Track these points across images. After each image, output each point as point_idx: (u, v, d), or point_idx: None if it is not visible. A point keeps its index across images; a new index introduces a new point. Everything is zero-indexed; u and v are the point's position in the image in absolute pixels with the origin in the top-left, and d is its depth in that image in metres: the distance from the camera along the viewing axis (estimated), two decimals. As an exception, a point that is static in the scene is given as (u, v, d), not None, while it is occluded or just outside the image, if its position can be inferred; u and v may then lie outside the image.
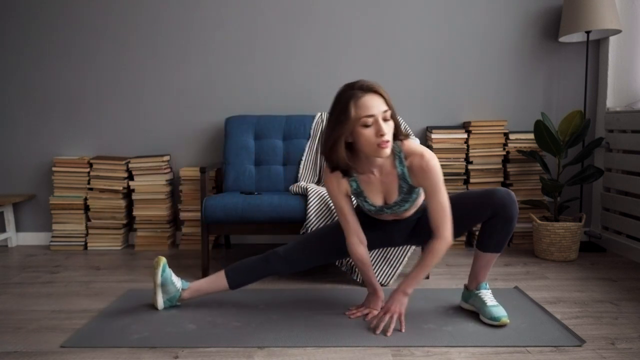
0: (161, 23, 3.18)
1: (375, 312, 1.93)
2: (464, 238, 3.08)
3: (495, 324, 1.81)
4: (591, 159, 3.20)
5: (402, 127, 1.95)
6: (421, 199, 1.93)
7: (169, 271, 1.99)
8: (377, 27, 3.17)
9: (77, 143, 3.25)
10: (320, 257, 2.01)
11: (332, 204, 2.39)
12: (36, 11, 3.17)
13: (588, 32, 2.92)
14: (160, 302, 2.00)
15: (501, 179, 3.06)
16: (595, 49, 3.17)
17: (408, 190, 1.81)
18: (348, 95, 1.66)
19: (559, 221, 2.84)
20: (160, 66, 3.20)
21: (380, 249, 2.40)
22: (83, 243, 3.13)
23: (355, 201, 2.19)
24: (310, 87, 3.20)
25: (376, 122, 1.65)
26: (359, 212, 2.04)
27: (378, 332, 1.76)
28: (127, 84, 3.22)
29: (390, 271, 2.36)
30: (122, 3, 3.17)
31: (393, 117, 1.70)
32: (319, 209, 2.41)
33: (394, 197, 1.84)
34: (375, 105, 1.64)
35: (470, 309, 1.97)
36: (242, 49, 3.19)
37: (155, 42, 3.19)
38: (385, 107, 1.66)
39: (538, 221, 2.79)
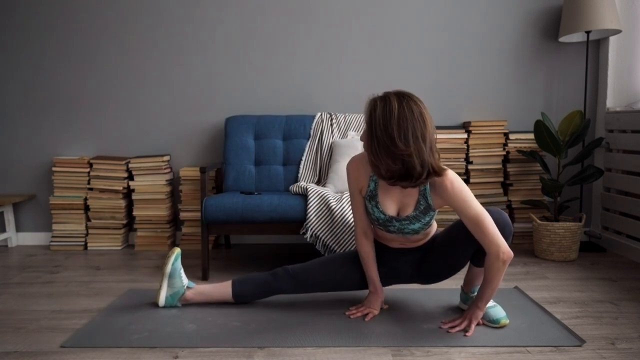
0: (161, 23, 3.18)
1: (376, 312, 1.93)
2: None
3: (495, 326, 1.81)
4: (591, 159, 3.20)
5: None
6: (433, 229, 1.93)
7: (179, 264, 2.01)
8: (377, 27, 3.17)
9: (77, 143, 3.25)
10: (328, 287, 1.99)
11: (332, 204, 2.39)
12: (36, 11, 3.18)
13: (588, 32, 2.92)
14: (162, 297, 2.00)
15: (501, 179, 3.06)
16: (595, 49, 3.17)
17: (424, 210, 1.78)
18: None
19: (559, 221, 2.84)
20: (160, 66, 3.20)
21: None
22: (83, 243, 3.13)
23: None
24: (310, 87, 3.20)
25: None
26: None
27: (453, 331, 1.78)
28: (127, 84, 3.22)
29: (390, 271, 2.36)
30: (122, 3, 3.17)
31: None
32: (319, 209, 2.41)
33: (408, 211, 1.80)
34: (365, 113, 1.73)
35: None
36: (242, 49, 3.19)
37: (155, 42, 3.19)
38: (368, 120, 1.71)
39: (538, 221, 2.79)
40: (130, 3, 3.17)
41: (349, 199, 2.16)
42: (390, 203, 1.81)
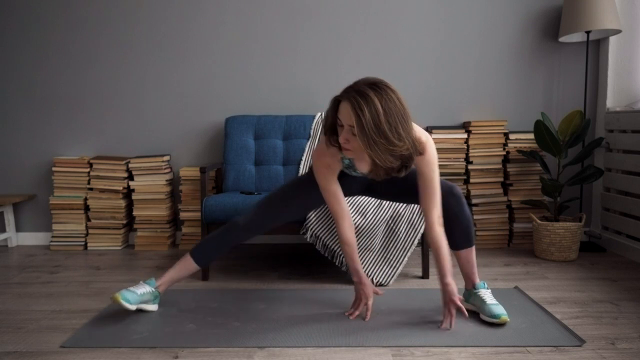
0: (161, 23, 3.18)
1: (370, 302, 1.92)
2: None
3: (495, 322, 1.82)
4: (591, 159, 3.20)
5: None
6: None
7: (131, 294, 1.89)
8: (378, 27, 3.17)
9: (77, 143, 3.25)
10: (285, 219, 2.00)
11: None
12: (36, 11, 3.17)
13: (588, 32, 2.92)
14: (150, 308, 2.00)
15: (501, 179, 3.06)
16: (595, 49, 3.17)
17: (398, 168, 1.81)
18: (343, 91, 1.62)
19: (559, 221, 2.84)
20: (161, 66, 3.20)
21: (381, 250, 2.40)
22: (83, 243, 3.13)
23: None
24: (310, 87, 3.20)
25: (342, 129, 1.63)
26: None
27: (451, 327, 1.80)
28: (127, 84, 3.22)
29: (390, 271, 2.36)
30: (122, 3, 3.17)
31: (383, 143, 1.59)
32: (319, 209, 2.41)
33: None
34: (346, 115, 1.60)
35: (471, 309, 1.97)
36: (242, 49, 3.19)
37: (155, 42, 3.19)
38: (351, 123, 1.58)
39: (538, 221, 2.79)
40: (130, 3, 3.17)
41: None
42: (364, 165, 1.82)
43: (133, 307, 1.89)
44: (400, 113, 1.58)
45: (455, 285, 1.83)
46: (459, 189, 1.95)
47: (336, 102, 1.64)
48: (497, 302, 1.88)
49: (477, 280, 1.97)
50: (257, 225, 1.99)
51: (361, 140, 1.57)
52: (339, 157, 1.81)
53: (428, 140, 1.76)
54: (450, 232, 1.95)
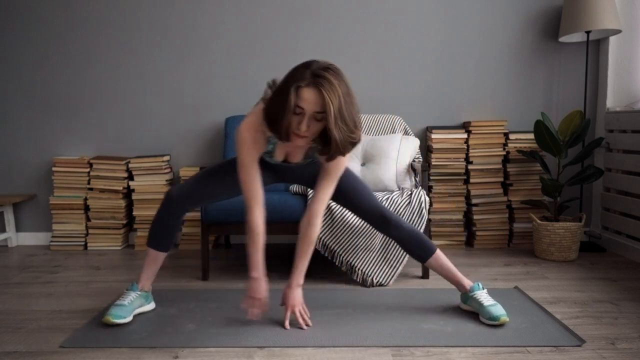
0: (161, 23, 3.18)
1: (266, 300, 1.83)
2: (463, 238, 3.08)
3: (495, 324, 1.81)
4: (591, 159, 3.20)
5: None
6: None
7: (120, 309, 1.85)
8: (378, 27, 3.17)
9: (77, 143, 3.25)
10: (215, 195, 1.96)
11: (332, 204, 2.38)
12: (36, 11, 3.17)
13: (588, 32, 2.92)
14: (147, 308, 1.99)
15: (501, 179, 3.06)
16: (595, 49, 3.17)
17: (310, 162, 1.89)
18: (297, 76, 1.56)
19: (559, 221, 2.84)
20: (161, 66, 3.20)
21: (381, 250, 2.40)
22: (83, 243, 3.13)
23: None
24: (310, 87, 3.20)
25: (303, 116, 1.58)
26: None
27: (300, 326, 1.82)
28: (127, 84, 3.22)
29: (390, 271, 2.36)
30: (122, 3, 3.17)
31: (330, 127, 1.57)
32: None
33: (297, 160, 1.85)
34: (312, 102, 1.55)
35: (470, 310, 1.97)
36: (242, 49, 3.19)
37: (155, 42, 3.19)
38: (319, 109, 1.56)
39: (538, 221, 2.79)
40: (130, 3, 3.17)
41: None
42: (281, 153, 1.83)
43: (130, 318, 1.88)
44: (354, 97, 1.66)
45: (301, 291, 1.88)
46: (388, 210, 1.98)
47: (295, 89, 1.56)
48: (494, 302, 1.88)
49: (468, 284, 1.96)
50: (188, 196, 1.91)
51: (333, 125, 1.55)
52: (266, 136, 1.74)
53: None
54: (408, 252, 2.02)
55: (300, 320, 1.83)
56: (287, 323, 1.83)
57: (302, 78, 1.56)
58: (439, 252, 2.01)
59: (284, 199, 2.44)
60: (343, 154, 1.68)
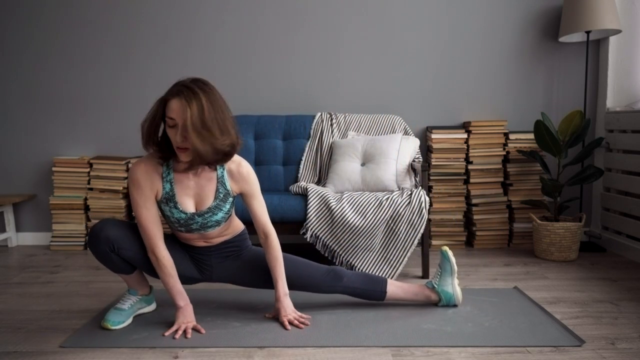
0: (161, 23, 3.18)
1: (194, 323, 1.80)
2: (463, 238, 3.08)
3: (444, 304, 1.98)
4: (591, 159, 3.20)
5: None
6: (235, 222, 1.92)
7: (118, 315, 1.84)
8: (377, 27, 3.17)
9: (77, 143, 3.25)
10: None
11: (332, 204, 2.38)
12: (37, 12, 3.18)
13: (588, 32, 2.92)
14: (148, 310, 1.99)
15: (501, 179, 3.06)
16: (595, 49, 3.17)
17: (224, 197, 1.78)
18: (166, 93, 1.64)
19: (559, 221, 2.84)
20: (161, 66, 3.20)
21: (381, 250, 2.40)
22: (83, 243, 3.13)
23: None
24: (310, 87, 3.20)
25: (177, 126, 1.61)
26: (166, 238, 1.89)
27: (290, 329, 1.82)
28: (127, 84, 3.22)
29: (390, 271, 2.36)
30: (122, 3, 3.17)
31: (211, 136, 1.60)
32: (319, 209, 2.41)
33: (209, 202, 1.77)
34: (179, 110, 1.59)
35: (451, 284, 2.01)
36: (242, 49, 3.19)
37: (155, 42, 3.19)
38: (186, 117, 1.57)
39: (538, 221, 2.79)
40: (130, 3, 3.17)
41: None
42: (188, 200, 1.76)
43: (129, 321, 1.88)
44: (224, 107, 1.69)
45: (289, 300, 1.89)
46: (328, 267, 1.95)
47: (163, 102, 1.64)
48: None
49: (433, 293, 2.02)
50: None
51: (193, 132, 1.57)
52: (161, 170, 1.73)
53: (242, 160, 1.83)
54: (367, 297, 1.98)
55: (300, 325, 1.83)
56: (287, 325, 1.83)
57: (169, 92, 1.64)
58: (388, 281, 2.00)
59: (284, 198, 2.44)
60: (217, 161, 1.70)
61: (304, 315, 1.89)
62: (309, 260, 1.98)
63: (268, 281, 1.95)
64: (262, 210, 1.87)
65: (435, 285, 2.01)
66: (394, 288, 2.00)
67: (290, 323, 1.84)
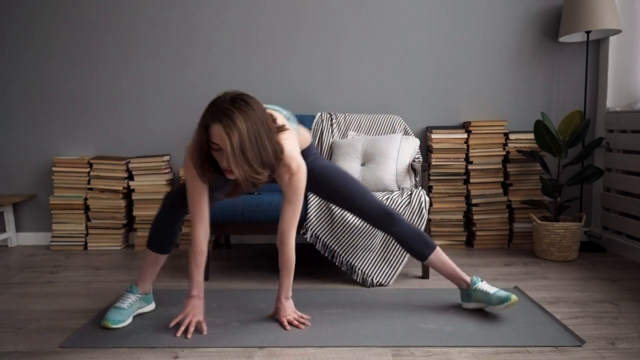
0: (161, 23, 3.18)
1: (201, 318, 1.80)
2: (463, 238, 3.08)
3: (507, 305, 1.84)
4: (591, 159, 3.20)
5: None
6: (302, 138, 1.95)
7: (118, 314, 1.85)
8: (377, 27, 3.17)
9: (77, 143, 3.25)
10: (214, 199, 1.92)
11: (333, 206, 2.38)
12: (37, 12, 3.17)
13: (588, 32, 2.92)
14: (147, 309, 1.99)
15: (501, 179, 3.06)
16: (595, 49, 3.17)
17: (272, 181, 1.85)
18: (207, 116, 1.57)
19: (559, 221, 2.84)
20: (161, 66, 3.20)
21: (381, 250, 2.40)
22: (83, 243, 3.13)
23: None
24: (310, 87, 3.20)
25: (221, 150, 1.58)
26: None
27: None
28: (127, 84, 3.22)
29: (390, 271, 2.36)
30: (122, 3, 3.17)
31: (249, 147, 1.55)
32: (319, 209, 2.41)
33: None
34: (221, 137, 1.55)
35: (476, 307, 1.97)
36: (242, 49, 3.19)
37: (155, 42, 3.19)
38: (226, 147, 1.54)
39: (538, 221, 2.79)
40: (130, 3, 3.17)
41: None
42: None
43: (129, 320, 1.88)
44: (264, 127, 1.59)
45: (291, 302, 1.90)
46: (389, 207, 1.98)
47: (205, 128, 1.58)
48: (497, 289, 1.91)
49: (468, 278, 1.98)
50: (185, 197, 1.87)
51: (233, 162, 1.54)
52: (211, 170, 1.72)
53: (299, 170, 1.74)
54: (408, 249, 2.00)
55: (300, 326, 1.83)
56: (286, 325, 1.83)
57: (210, 116, 1.56)
58: (439, 249, 2.01)
59: (284, 199, 2.44)
60: (244, 191, 1.69)
61: (304, 316, 1.88)
62: (372, 193, 2.01)
63: (335, 198, 1.98)
64: (291, 217, 1.79)
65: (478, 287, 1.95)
66: (437, 259, 1.99)
67: (290, 323, 1.84)
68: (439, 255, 2.00)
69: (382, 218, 1.98)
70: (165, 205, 1.91)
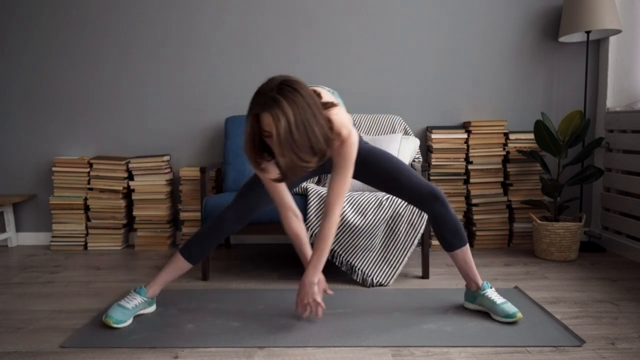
0: (161, 23, 3.18)
1: (320, 299, 1.82)
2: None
3: (510, 321, 1.82)
4: (591, 159, 3.20)
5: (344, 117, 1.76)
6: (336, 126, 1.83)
7: (121, 313, 1.85)
8: (377, 27, 3.17)
9: (77, 143, 3.25)
10: (260, 204, 1.94)
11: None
12: (37, 12, 3.18)
13: (588, 32, 2.92)
14: (148, 311, 1.99)
15: (501, 179, 3.06)
16: (595, 49, 3.17)
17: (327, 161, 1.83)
18: (255, 105, 1.55)
19: (559, 221, 2.84)
20: (161, 66, 3.20)
21: (381, 250, 2.40)
22: (83, 243, 3.13)
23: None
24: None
25: (272, 137, 1.54)
26: None
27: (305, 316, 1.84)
28: (127, 84, 3.22)
29: (390, 271, 2.36)
30: (122, 3, 3.17)
31: (308, 121, 1.52)
32: (319, 209, 2.41)
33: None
34: (271, 124, 1.51)
35: (477, 309, 1.97)
36: (242, 49, 3.19)
37: (155, 42, 3.19)
38: (274, 135, 1.52)
39: (538, 221, 2.79)
40: (130, 3, 3.17)
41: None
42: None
43: (129, 321, 1.88)
44: (312, 112, 1.54)
45: (314, 287, 1.80)
46: (441, 190, 1.92)
47: (255, 117, 1.56)
48: (505, 300, 1.89)
49: (480, 281, 1.96)
50: (239, 216, 1.92)
51: (278, 151, 1.52)
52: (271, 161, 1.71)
53: (349, 137, 1.71)
54: (441, 235, 1.94)
55: (306, 312, 1.81)
56: (299, 311, 1.81)
57: (257, 104, 1.53)
58: (468, 247, 1.96)
59: (284, 199, 2.43)
60: (289, 177, 1.61)
61: (322, 304, 1.82)
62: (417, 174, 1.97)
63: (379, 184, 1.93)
64: (338, 188, 1.74)
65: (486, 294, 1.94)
66: (461, 256, 1.94)
67: (304, 307, 1.80)
68: (465, 253, 1.95)
69: (428, 199, 1.89)
70: (220, 222, 1.92)
